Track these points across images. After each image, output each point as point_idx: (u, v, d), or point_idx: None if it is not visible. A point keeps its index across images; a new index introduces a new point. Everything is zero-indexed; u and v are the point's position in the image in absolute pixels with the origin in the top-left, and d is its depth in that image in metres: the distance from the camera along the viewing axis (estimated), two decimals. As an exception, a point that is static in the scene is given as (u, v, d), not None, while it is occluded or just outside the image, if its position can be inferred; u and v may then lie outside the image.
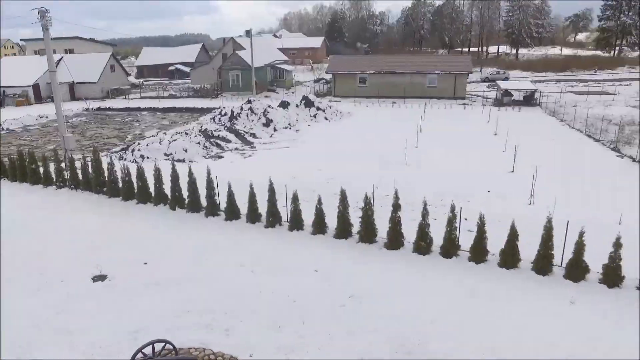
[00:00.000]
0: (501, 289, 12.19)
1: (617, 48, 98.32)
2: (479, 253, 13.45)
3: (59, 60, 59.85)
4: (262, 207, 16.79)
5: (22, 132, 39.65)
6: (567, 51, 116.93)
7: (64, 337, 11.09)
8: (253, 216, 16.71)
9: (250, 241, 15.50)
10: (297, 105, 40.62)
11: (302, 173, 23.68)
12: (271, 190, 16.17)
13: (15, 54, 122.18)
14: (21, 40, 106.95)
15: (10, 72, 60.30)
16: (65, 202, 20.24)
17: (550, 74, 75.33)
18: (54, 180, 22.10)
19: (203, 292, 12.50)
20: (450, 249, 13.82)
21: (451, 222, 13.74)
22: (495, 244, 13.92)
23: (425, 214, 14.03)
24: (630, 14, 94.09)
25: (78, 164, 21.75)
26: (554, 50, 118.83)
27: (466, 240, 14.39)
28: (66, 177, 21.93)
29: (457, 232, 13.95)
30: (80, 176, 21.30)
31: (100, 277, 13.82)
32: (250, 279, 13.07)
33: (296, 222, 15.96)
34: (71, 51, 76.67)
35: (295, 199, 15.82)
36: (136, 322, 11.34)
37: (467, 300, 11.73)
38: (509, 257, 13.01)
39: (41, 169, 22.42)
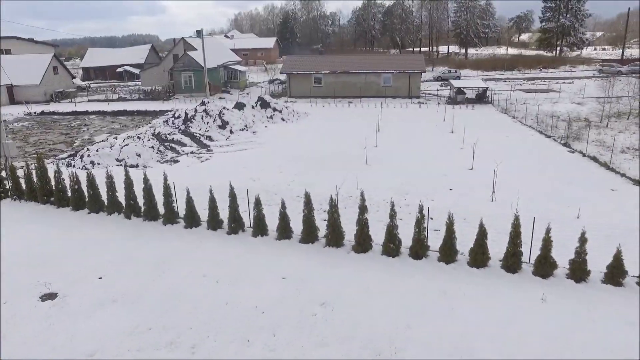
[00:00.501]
0: (473, 288, 12.10)
1: (558, 48, 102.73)
2: (448, 253, 13.34)
3: (-4, 61, 56.21)
4: (224, 213, 16.12)
5: (-44, 140, 36.86)
6: (512, 51, 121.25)
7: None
8: (214, 223, 15.98)
9: (213, 249, 14.78)
10: (252, 107, 39.82)
11: (262, 176, 23.09)
12: (232, 196, 15.52)
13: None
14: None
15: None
16: (8, 214, 18.73)
17: (499, 73, 77.74)
18: (-6, 190, 20.49)
19: (165, 307, 11.74)
20: (419, 250, 13.65)
21: (419, 222, 13.56)
22: (463, 242, 13.90)
23: (393, 215, 13.80)
24: (568, 16, 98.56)
25: (21, 172, 20.25)
26: (500, 50, 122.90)
27: (434, 240, 14.31)
28: (8, 187, 20.38)
29: (426, 233, 13.79)
30: (24, 185, 19.82)
31: (50, 296, 12.76)
32: (215, 290, 12.39)
33: (260, 228, 15.37)
34: (8, 52, 72.24)
35: (257, 203, 15.25)
36: (91, 344, 10.48)
37: (440, 302, 11.55)
38: (479, 256, 12.97)
39: (-21, 179, 20.75)
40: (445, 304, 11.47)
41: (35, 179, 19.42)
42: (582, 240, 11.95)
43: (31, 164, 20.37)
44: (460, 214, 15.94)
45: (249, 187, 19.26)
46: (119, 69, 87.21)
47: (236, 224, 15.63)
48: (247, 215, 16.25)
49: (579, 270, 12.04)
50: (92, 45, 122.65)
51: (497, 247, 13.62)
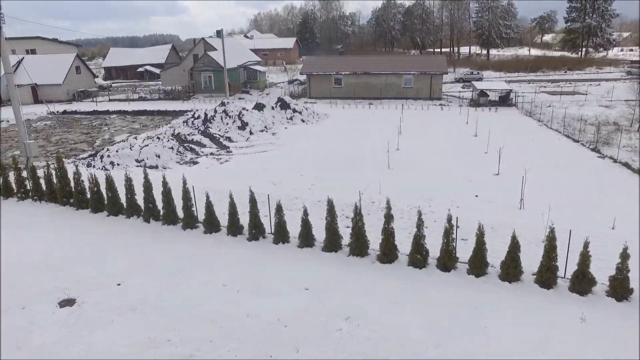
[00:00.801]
0: (506, 305, 11.46)
1: (583, 49, 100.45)
2: (478, 266, 12.72)
3: (19, 61, 57.01)
4: (244, 218, 15.72)
5: (-20, 138, 37.33)
6: (535, 52, 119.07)
7: (26, 377, 9.85)
8: (234, 228, 15.59)
9: (233, 256, 14.38)
10: (272, 108, 39.50)
11: (282, 179, 22.67)
12: (253, 201, 15.11)
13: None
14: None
15: (-33, 74, 57.15)
16: (28, 216, 18.64)
17: (522, 74, 76.25)
18: (15, 191, 20.45)
19: (184, 317, 11.36)
20: (448, 261, 13.05)
21: (448, 232, 12.97)
22: (492, 253, 13.25)
23: (420, 224, 13.22)
24: (594, 16, 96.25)
25: (41, 173, 20.17)
26: (523, 51, 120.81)
27: (461, 250, 13.71)
28: (28, 187, 20.32)
29: (455, 244, 13.19)
30: (44, 186, 19.73)
31: (68, 302, 12.50)
32: (235, 301, 11.97)
33: (281, 235, 14.93)
34: (33, 52, 73.30)
35: (279, 209, 14.80)
36: (108, 355, 10.14)
37: (471, 319, 10.94)
38: (511, 270, 12.31)
39: (0, 179, 20.74)
40: (476, 321, 10.86)
41: (55, 180, 19.31)
42: (624, 256, 11.23)
43: (52, 163, 20.27)
44: (487, 223, 15.28)
45: (269, 190, 18.88)
46: (140, 69, 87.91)
47: (257, 230, 15.22)
48: (267, 220, 15.83)
49: (620, 288, 11.31)
50: (114, 45, 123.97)
51: (527, 260, 12.94)
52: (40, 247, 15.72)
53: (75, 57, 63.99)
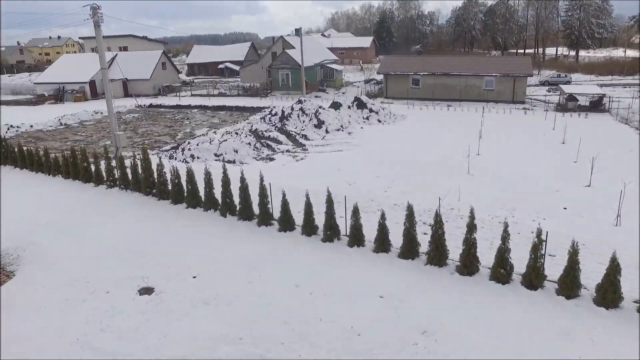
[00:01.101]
0: (603, 333, 10.36)
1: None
2: (570, 287, 11.64)
3: (113, 57, 61.04)
4: (318, 218, 15.53)
5: (78, 128, 40.26)
6: (632, 53, 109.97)
7: (105, 360, 10.23)
8: (309, 228, 15.44)
9: (307, 257, 14.22)
10: (349, 107, 39.25)
11: (358, 179, 22.31)
12: (329, 202, 14.86)
13: (75, 52, 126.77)
14: (80, 38, 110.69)
15: (69, 69, 62.26)
16: (114, 203, 19.67)
17: (617, 78, 70.59)
18: (105, 179, 21.67)
19: (256, 316, 11.32)
20: (534, 279, 12.07)
21: (537, 248, 11.99)
22: (585, 273, 12.12)
23: (505, 237, 12.34)
24: None
25: (128, 163, 21.20)
26: (617, 52, 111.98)
27: (549, 267, 12.66)
28: (116, 176, 21.44)
29: (543, 260, 12.19)
30: (130, 176, 20.72)
31: (147, 290, 12.93)
32: (308, 303, 11.78)
33: (357, 238, 14.57)
34: (125, 49, 78.17)
35: (355, 212, 14.44)
36: (182, 348, 10.30)
37: (562, 346, 9.97)
38: (609, 295, 11.14)
39: (93, 167, 22.06)
40: (568, 349, 9.90)
41: (140, 170, 20.20)
42: None
43: (138, 154, 21.24)
44: (578, 239, 14.03)
45: (344, 190, 18.60)
46: (221, 66, 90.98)
47: (332, 232, 14.97)
48: (342, 221, 15.53)
49: None
50: (197, 43, 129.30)
51: (626, 285, 11.65)
52: (126, 234, 16.49)
53: (162, 53, 67.46)
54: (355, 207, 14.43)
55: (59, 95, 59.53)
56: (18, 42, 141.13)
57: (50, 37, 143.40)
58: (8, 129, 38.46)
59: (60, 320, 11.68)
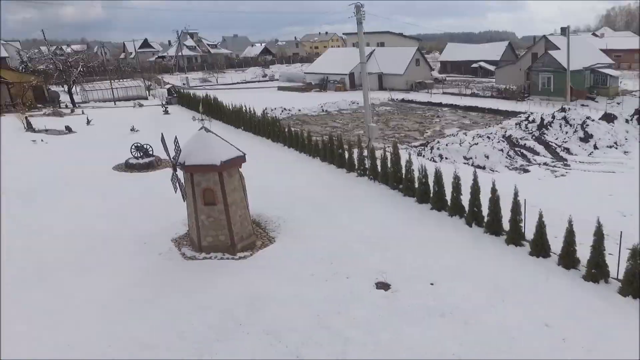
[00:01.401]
0: None
1: None
2: None
3: (371, 52, 64.84)
4: (580, 249, 13.20)
5: (336, 115, 44.08)
6: None
7: (336, 343, 10.59)
8: (568, 260, 13.30)
9: (562, 292, 12.25)
10: (627, 121, 33.03)
11: (636, 211, 18.41)
12: (598, 235, 12.43)
13: (339, 46, 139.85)
14: (343, 33, 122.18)
15: (333, 61, 69.39)
16: (363, 192, 20.59)
17: None
18: (356, 167, 22.89)
19: (496, 345, 10.20)
20: None
21: None
22: None
23: None
24: None
25: (378, 154, 21.90)
26: None
27: None
28: (367, 166, 22.41)
29: None
30: (379, 168, 21.38)
31: (384, 286, 13.00)
32: (560, 351, 10.01)
33: (633, 285, 11.88)
34: (382, 44, 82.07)
35: (635, 254, 11.75)
36: (413, 353, 9.95)
37: None
38: None
39: (346, 154, 23.55)
40: None
41: (389, 164, 20.62)
42: None
43: (388, 147, 21.73)
44: None
45: (616, 222, 15.44)
46: (474, 65, 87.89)
47: (598, 271, 12.56)
48: (611, 260, 12.87)
49: None
50: (451, 41, 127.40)
51: None
52: (371, 223, 17.06)
53: (416, 50, 68.59)
54: (635, 250, 11.74)
55: (323, 84, 66.42)
56: (295, 38, 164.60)
57: (319, 33, 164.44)
58: (282, 111, 44.43)
59: (307, 293, 12.62)
